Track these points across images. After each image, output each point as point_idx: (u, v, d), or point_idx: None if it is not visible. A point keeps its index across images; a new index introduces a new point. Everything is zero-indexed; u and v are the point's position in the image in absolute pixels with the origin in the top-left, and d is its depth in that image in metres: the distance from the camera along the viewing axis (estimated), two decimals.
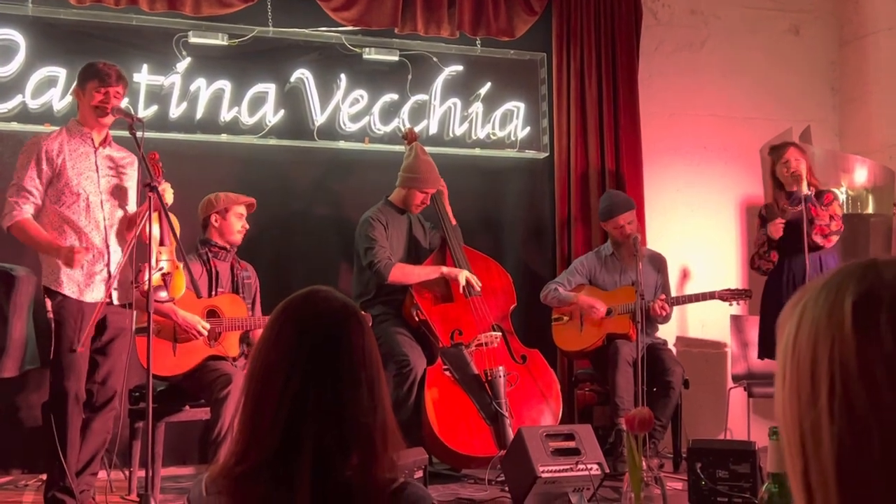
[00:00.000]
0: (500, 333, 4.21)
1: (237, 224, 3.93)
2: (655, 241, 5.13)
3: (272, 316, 1.25)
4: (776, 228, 4.21)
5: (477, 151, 5.05)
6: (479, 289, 4.21)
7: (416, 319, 4.15)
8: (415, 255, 4.39)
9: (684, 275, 5.31)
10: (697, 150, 5.43)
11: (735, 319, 5.10)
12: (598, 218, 4.70)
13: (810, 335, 0.65)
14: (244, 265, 4.06)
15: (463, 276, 4.16)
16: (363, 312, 3.63)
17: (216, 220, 3.98)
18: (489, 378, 4.00)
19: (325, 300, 1.24)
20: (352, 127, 4.80)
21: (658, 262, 4.67)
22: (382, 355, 1.13)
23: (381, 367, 1.24)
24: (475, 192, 5.00)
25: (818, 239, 4.15)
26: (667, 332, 4.85)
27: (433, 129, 4.95)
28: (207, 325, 3.74)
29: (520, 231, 5.14)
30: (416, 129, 4.71)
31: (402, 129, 4.66)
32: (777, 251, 4.24)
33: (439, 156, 4.69)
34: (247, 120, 4.63)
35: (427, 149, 4.50)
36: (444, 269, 4.20)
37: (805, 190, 4.20)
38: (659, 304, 4.32)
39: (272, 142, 4.68)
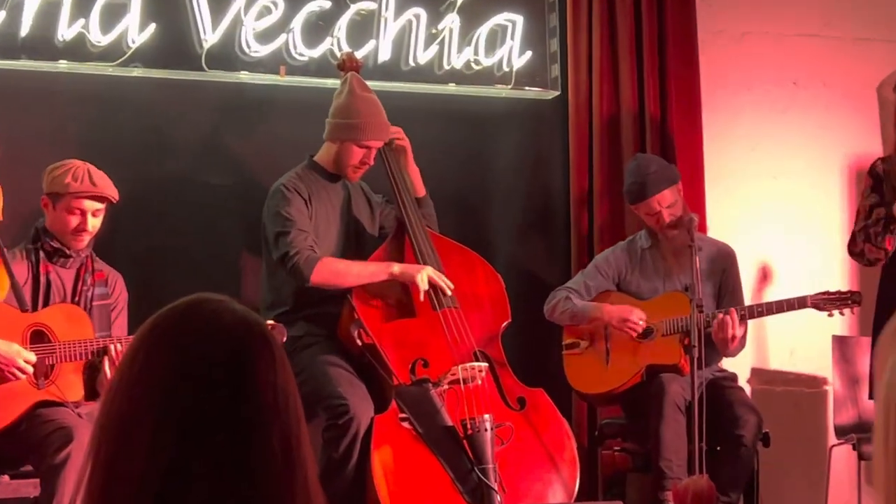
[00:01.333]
0: (486, 364, 4.23)
1: (72, 221, 3.88)
2: (720, 224, 5.13)
3: (135, 339, 1.28)
4: None
5: (451, 89, 5.06)
6: (451, 295, 4.25)
7: (359, 343, 4.17)
8: (356, 244, 4.42)
9: (763, 275, 5.34)
10: (784, 86, 5.42)
11: (839, 342, 5.11)
12: (625, 198, 4.76)
13: None
14: (102, 274, 4.05)
15: (424, 276, 4.18)
16: (275, 326, 3.73)
17: (46, 205, 3.95)
18: (469, 432, 4.02)
19: (215, 315, 1.27)
20: (260, 51, 4.79)
21: (723, 258, 4.70)
22: (307, 397, 1.13)
23: (303, 415, 1.27)
24: (449, 152, 5.00)
25: None
26: (737, 363, 4.86)
27: (385, 55, 4.93)
28: (32, 358, 3.70)
29: (517, 211, 5.15)
30: (359, 54, 4.72)
31: (338, 56, 4.66)
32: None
33: (394, 95, 4.68)
34: (98, 39, 4.61)
35: (374, 84, 4.51)
36: (396, 268, 4.22)
37: None
38: (718, 322, 4.34)
39: (137, 72, 4.68)
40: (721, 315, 4.37)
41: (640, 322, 4.46)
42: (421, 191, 4.51)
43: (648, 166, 4.58)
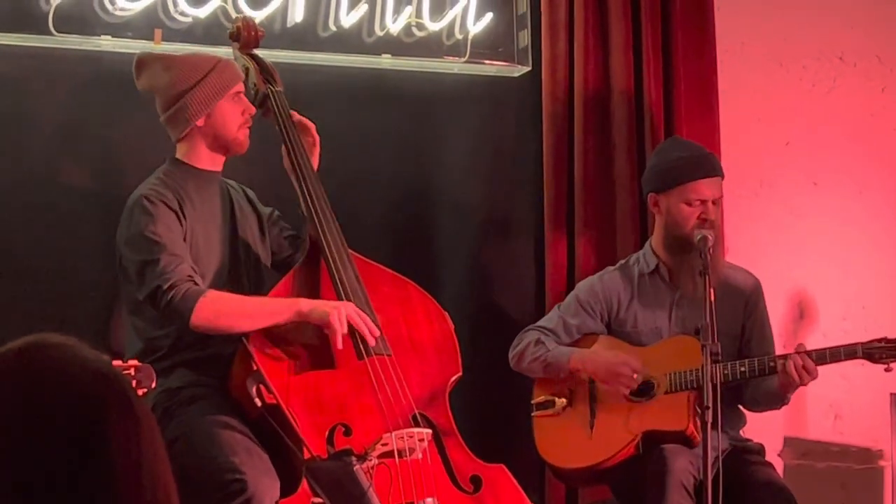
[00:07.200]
0: (428, 431, 4.02)
1: None
2: (741, 244, 5.13)
3: None
4: None
5: (386, 61, 4.89)
6: (383, 339, 4.03)
7: (259, 403, 3.91)
8: (248, 266, 4.26)
9: (799, 314, 5.30)
10: (827, 62, 5.32)
11: None
12: (644, 186, 4.53)
13: None
14: None
15: (342, 316, 3.96)
16: (140, 368, 3.45)
17: None
18: None
19: (58, 364, 1.30)
20: (128, 8, 4.59)
21: (747, 291, 4.52)
22: (189, 471, 1.48)
23: (177, 500, 1.30)
24: (381, 146, 4.90)
25: None
26: (766, 430, 4.67)
27: (297, 16, 4.76)
28: None
29: (472, 226, 5.04)
30: (262, 14, 4.58)
31: (231, 16, 4.52)
32: None
33: (307, 69, 4.66)
34: None
35: (282, 55, 4.45)
36: (305, 306, 4.00)
37: None
38: (792, 363, 4.10)
39: None
40: (795, 358, 4.17)
41: (635, 375, 4.25)
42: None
43: (689, 148, 4.45)
